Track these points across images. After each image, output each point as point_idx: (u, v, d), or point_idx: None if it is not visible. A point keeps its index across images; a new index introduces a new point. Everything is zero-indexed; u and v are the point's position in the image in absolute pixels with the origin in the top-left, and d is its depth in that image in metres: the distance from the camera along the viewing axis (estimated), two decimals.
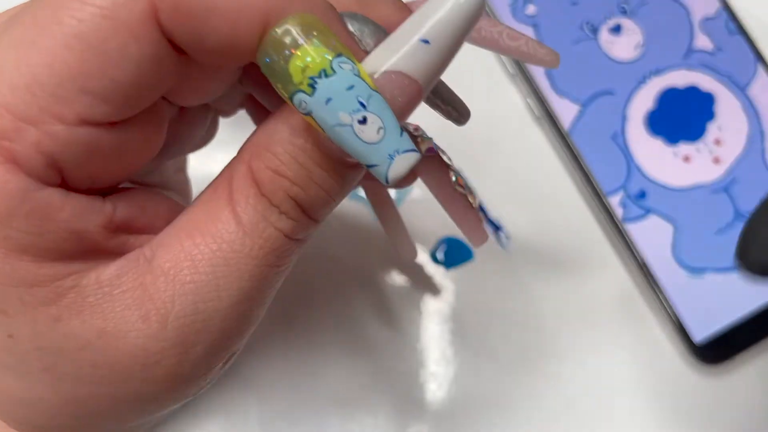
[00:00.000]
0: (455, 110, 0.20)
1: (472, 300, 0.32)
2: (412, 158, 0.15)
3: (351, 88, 0.15)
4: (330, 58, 0.15)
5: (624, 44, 0.34)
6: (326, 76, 0.15)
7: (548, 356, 0.32)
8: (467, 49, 0.38)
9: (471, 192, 0.23)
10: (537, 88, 0.33)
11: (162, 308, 0.16)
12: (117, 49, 0.14)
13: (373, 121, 0.15)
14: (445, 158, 0.22)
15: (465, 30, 0.16)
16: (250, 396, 0.30)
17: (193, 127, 0.22)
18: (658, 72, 0.34)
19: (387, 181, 0.15)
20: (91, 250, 0.16)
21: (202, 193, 0.17)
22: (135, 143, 0.16)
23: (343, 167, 0.16)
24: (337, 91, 0.15)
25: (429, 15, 0.16)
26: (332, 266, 0.32)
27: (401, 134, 0.15)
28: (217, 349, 0.17)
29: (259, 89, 0.20)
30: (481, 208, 0.33)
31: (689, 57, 0.34)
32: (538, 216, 0.33)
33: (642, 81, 0.34)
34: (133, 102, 0.15)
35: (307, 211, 0.16)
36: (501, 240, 0.33)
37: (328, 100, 0.15)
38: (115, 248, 0.17)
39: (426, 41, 0.15)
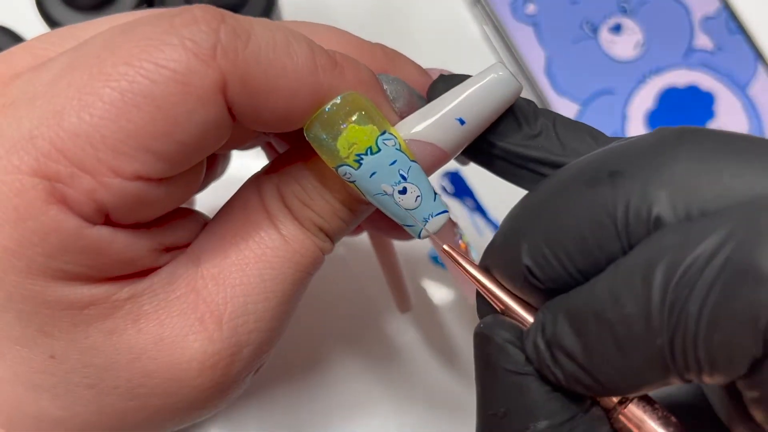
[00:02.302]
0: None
1: (472, 300, 0.32)
2: (443, 219, 0.17)
3: (394, 162, 0.16)
4: (375, 136, 0.16)
5: (624, 43, 0.34)
6: (372, 153, 0.16)
7: None
8: (467, 48, 0.38)
9: (472, 250, 0.24)
10: (537, 87, 0.33)
11: (216, 310, 0.16)
12: (185, 113, 0.15)
13: (413, 190, 0.16)
14: (450, 216, 0.23)
15: (498, 112, 0.17)
16: (249, 396, 0.30)
17: (216, 168, 0.23)
18: (658, 71, 0.34)
19: (419, 238, 0.17)
20: (143, 269, 0.16)
21: (231, 203, 0.18)
22: (179, 192, 0.17)
23: (360, 204, 0.18)
24: (381, 166, 0.16)
25: (467, 90, 0.17)
26: (333, 268, 0.32)
27: (435, 199, 0.17)
28: (263, 350, 0.18)
29: (279, 139, 0.21)
30: (482, 209, 0.33)
31: (689, 56, 0.34)
32: None
33: (642, 80, 0.34)
34: (188, 161, 0.16)
35: (329, 236, 0.18)
36: None
37: (373, 174, 0.16)
38: (164, 264, 0.17)
39: (462, 120, 0.17)
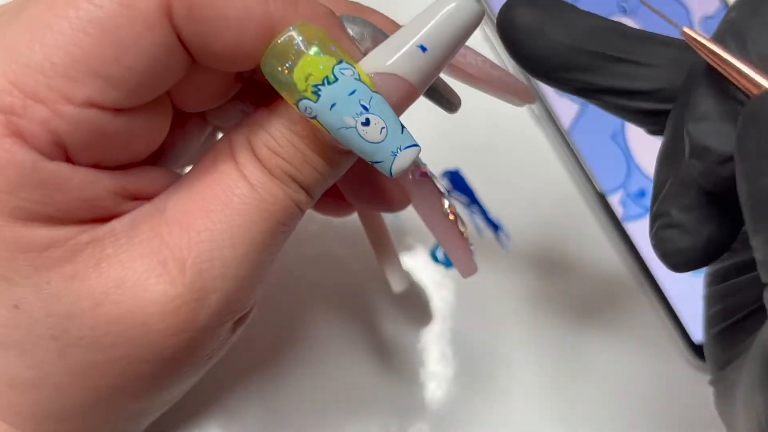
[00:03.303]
0: (446, 99, 0.21)
1: (472, 299, 0.32)
2: (413, 153, 0.16)
3: (353, 92, 0.16)
4: (332, 65, 0.16)
5: None
6: (329, 83, 0.15)
7: (548, 356, 0.32)
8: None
9: (462, 221, 0.23)
10: (536, 87, 0.33)
11: (179, 254, 0.16)
12: (131, 36, 0.15)
13: (376, 122, 0.16)
14: (438, 185, 0.23)
15: (461, 38, 0.17)
16: (250, 396, 0.30)
17: (190, 136, 0.22)
18: None
19: (391, 174, 0.16)
20: (104, 215, 0.16)
21: (203, 157, 0.18)
22: (138, 132, 0.17)
23: (335, 152, 0.17)
24: (341, 96, 0.16)
25: (427, 20, 0.16)
26: (332, 266, 0.32)
27: (402, 131, 0.16)
28: (231, 299, 0.17)
29: (256, 108, 0.21)
30: (481, 209, 0.33)
31: None
32: (538, 216, 0.33)
33: None
34: (141, 91, 0.16)
35: (304, 188, 0.17)
36: (501, 240, 0.33)
37: (332, 105, 0.16)
38: (127, 211, 0.17)
39: (423, 48, 0.16)
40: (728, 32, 0.16)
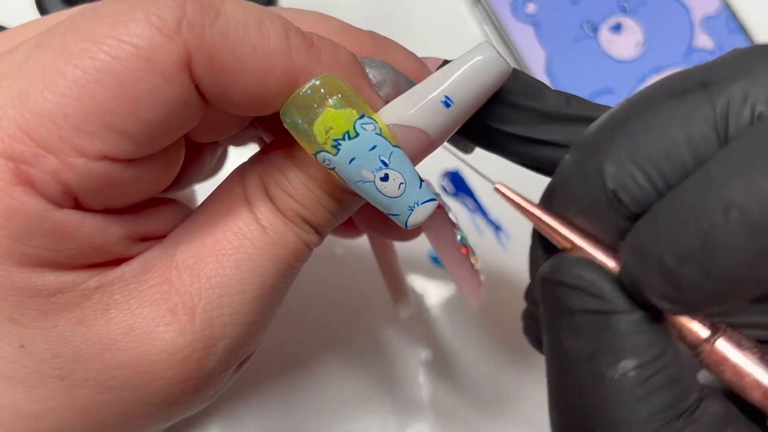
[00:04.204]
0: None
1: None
2: (431, 207, 0.16)
3: (374, 148, 0.15)
4: (353, 120, 0.15)
5: (624, 43, 0.34)
6: (350, 138, 0.15)
7: None
8: (467, 48, 0.38)
9: (473, 253, 0.23)
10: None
11: (189, 301, 0.16)
12: (149, 91, 0.14)
13: (395, 177, 0.16)
14: (451, 216, 0.23)
15: (486, 93, 0.16)
16: (249, 396, 0.30)
17: (202, 161, 0.22)
18: (658, 70, 0.34)
19: (406, 227, 0.16)
20: (114, 259, 0.16)
21: (214, 193, 0.18)
22: (150, 177, 0.16)
23: (347, 195, 0.17)
24: (361, 151, 0.15)
25: (453, 72, 0.16)
26: (332, 267, 0.32)
27: (420, 186, 0.16)
28: (239, 344, 0.17)
29: (270, 134, 0.20)
30: (482, 209, 0.33)
31: (690, 55, 0.34)
32: None
33: (642, 79, 0.34)
34: (155, 142, 0.15)
35: (315, 228, 0.17)
36: (501, 240, 0.33)
37: (352, 159, 0.15)
38: (137, 254, 0.17)
39: (447, 100, 0.16)
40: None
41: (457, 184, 0.33)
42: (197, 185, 0.26)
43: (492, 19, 0.35)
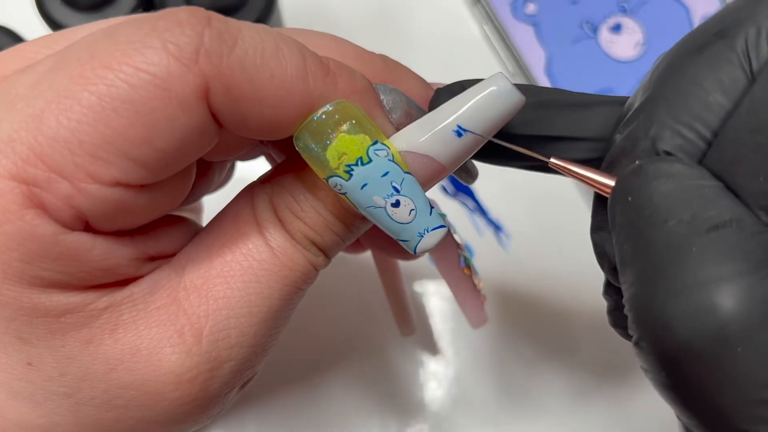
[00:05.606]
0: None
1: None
2: (440, 234, 0.16)
3: (386, 174, 0.16)
4: (366, 146, 0.15)
5: (624, 43, 0.34)
6: (363, 164, 0.15)
7: (549, 355, 0.32)
8: (467, 48, 0.38)
9: (476, 273, 0.24)
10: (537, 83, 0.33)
11: (196, 323, 0.16)
12: (165, 120, 0.14)
13: (406, 203, 0.16)
14: (456, 237, 0.23)
15: (498, 124, 0.16)
16: (249, 396, 0.30)
17: (212, 176, 0.22)
18: None
19: (415, 253, 0.16)
20: (123, 279, 0.16)
21: (223, 213, 0.18)
22: (162, 200, 0.16)
23: (356, 218, 0.17)
24: (373, 177, 0.15)
25: (466, 101, 0.16)
26: (332, 267, 0.32)
27: (431, 213, 0.16)
28: (245, 366, 0.17)
29: (279, 152, 0.21)
30: (482, 209, 0.33)
31: None
32: (539, 216, 0.33)
33: (642, 80, 0.34)
34: (170, 168, 0.15)
35: (322, 250, 0.17)
36: (501, 240, 0.33)
37: (364, 185, 0.15)
38: (146, 273, 0.17)
39: (459, 132, 0.16)
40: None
41: (457, 184, 0.33)
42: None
43: (492, 19, 0.35)
